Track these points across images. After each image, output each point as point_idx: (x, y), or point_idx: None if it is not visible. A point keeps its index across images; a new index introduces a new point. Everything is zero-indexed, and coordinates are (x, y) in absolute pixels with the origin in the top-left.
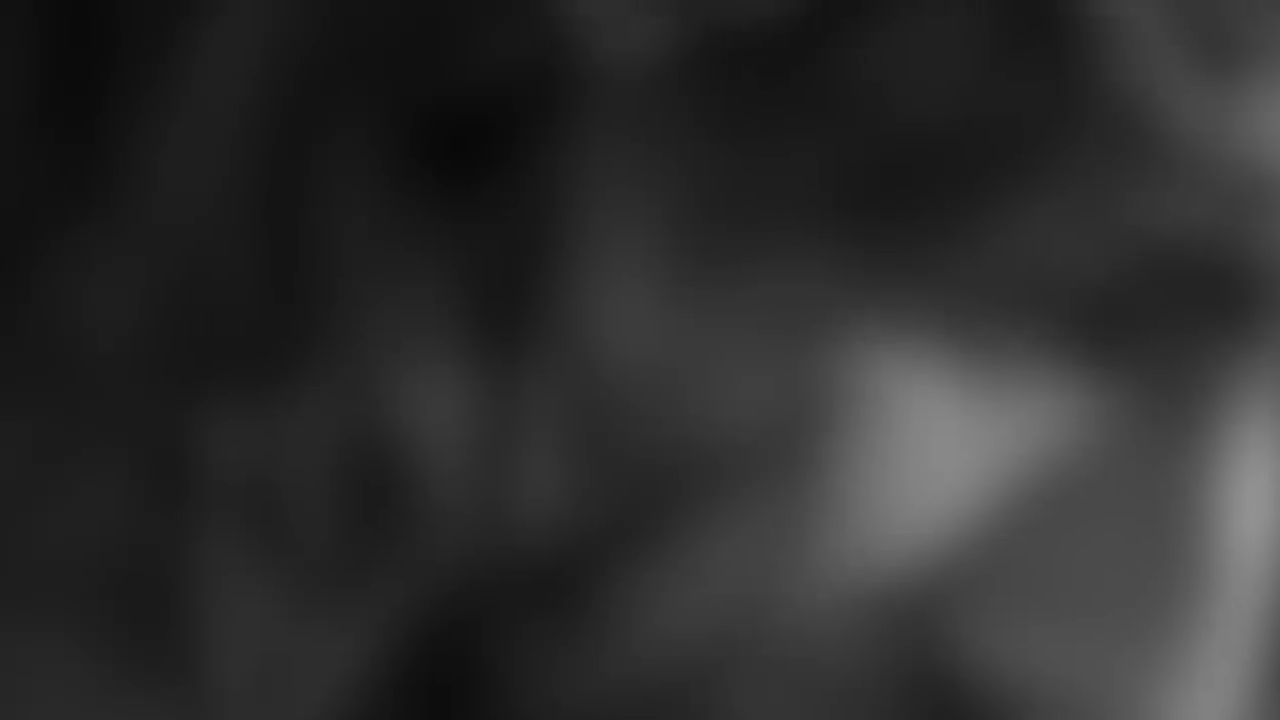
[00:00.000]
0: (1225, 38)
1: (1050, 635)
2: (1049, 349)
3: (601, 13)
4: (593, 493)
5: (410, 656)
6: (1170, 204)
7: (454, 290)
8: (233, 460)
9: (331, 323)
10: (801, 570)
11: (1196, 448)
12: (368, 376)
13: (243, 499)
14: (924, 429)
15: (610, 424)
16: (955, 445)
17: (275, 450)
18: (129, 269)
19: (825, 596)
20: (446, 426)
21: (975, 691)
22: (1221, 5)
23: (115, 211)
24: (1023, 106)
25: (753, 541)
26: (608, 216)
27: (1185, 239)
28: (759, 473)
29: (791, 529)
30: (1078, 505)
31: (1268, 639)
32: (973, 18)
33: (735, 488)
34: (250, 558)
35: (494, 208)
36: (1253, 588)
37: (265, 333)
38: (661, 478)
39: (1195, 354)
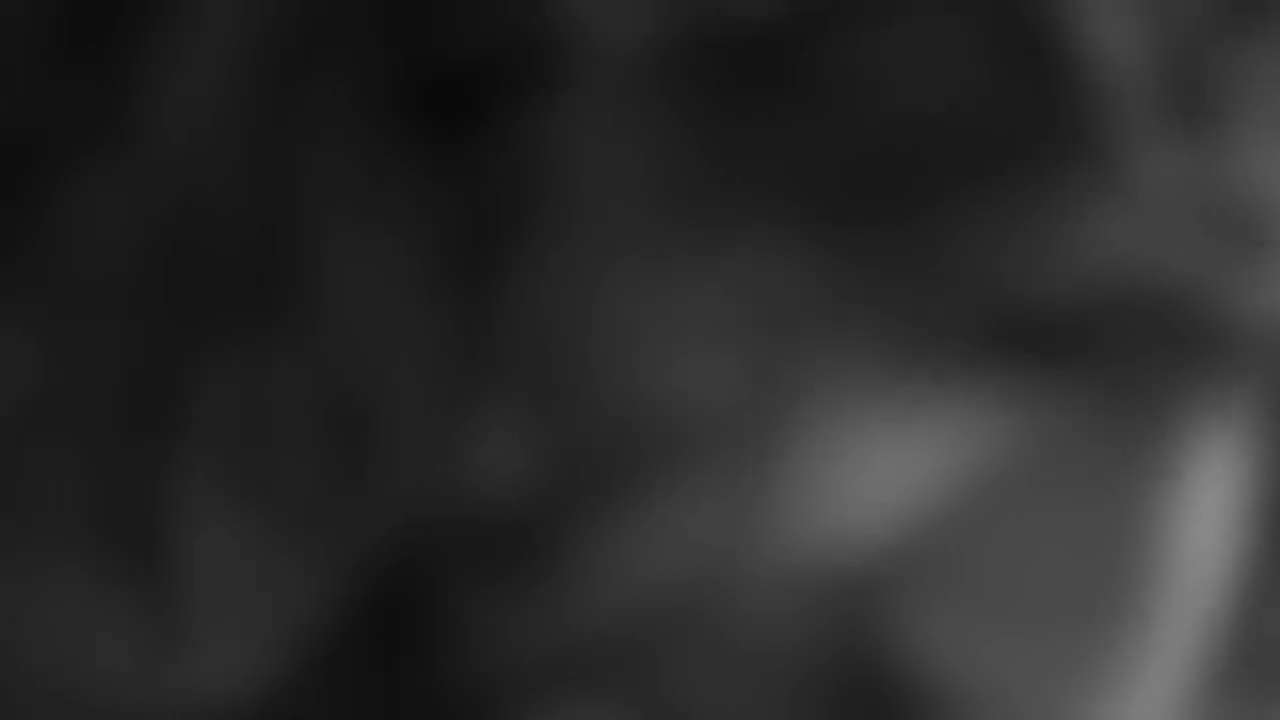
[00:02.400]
0: (1205, 81)
1: (986, 634)
2: (1001, 363)
3: None
4: (554, 452)
5: (368, 597)
6: (1133, 237)
7: (430, 243)
8: (219, 397)
9: (313, 268)
10: (752, 548)
11: (1146, 462)
12: (344, 322)
13: (226, 435)
14: (874, 429)
15: (575, 386)
16: (903, 447)
17: (258, 389)
18: (131, 203)
19: (773, 577)
20: (413, 376)
21: (906, 684)
22: (1205, 49)
23: (123, 147)
24: (1002, 124)
25: (707, 515)
26: (587, 183)
27: (1144, 271)
28: (717, 450)
29: (745, 507)
30: (1023, 510)
31: (1207, 653)
32: (964, 29)
33: (693, 461)
34: (229, 492)
35: (476, 166)
36: (1196, 602)
37: (252, 275)
38: (622, 443)
39: (1151, 378)
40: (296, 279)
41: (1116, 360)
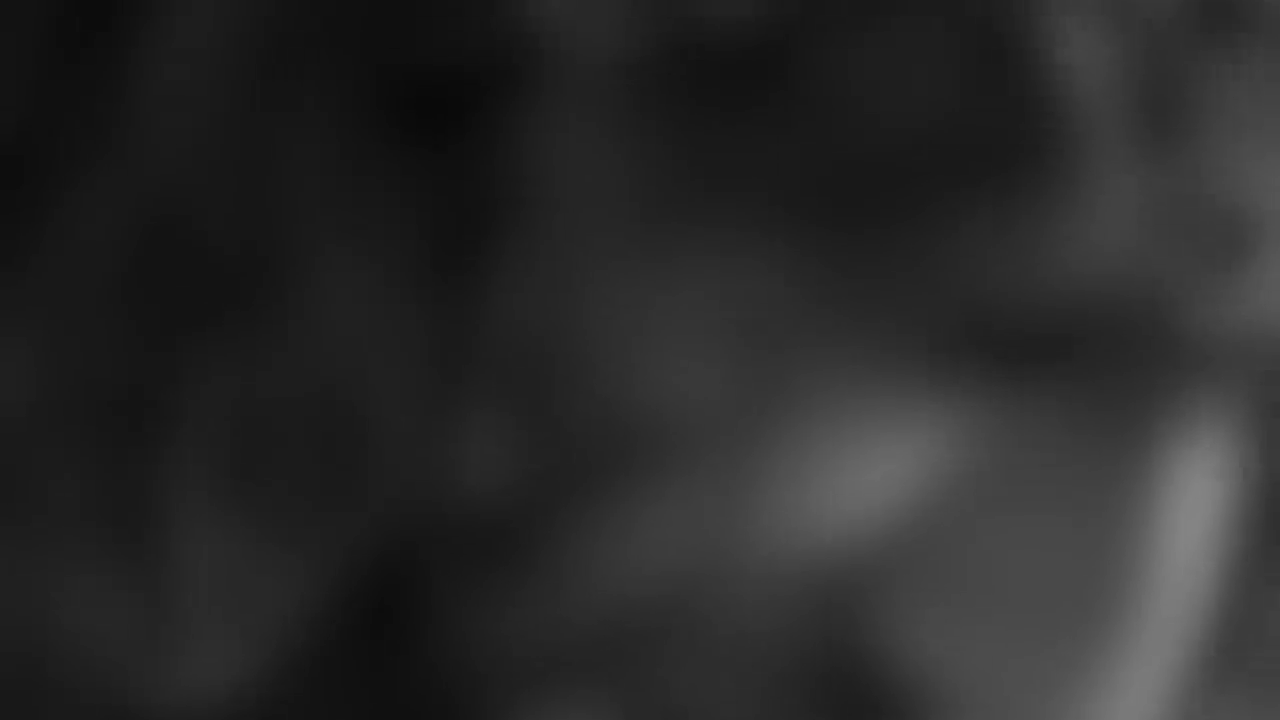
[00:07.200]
0: (1177, 92)
1: (967, 633)
2: (980, 369)
3: (574, 2)
4: (539, 450)
5: (358, 593)
6: (1108, 247)
7: (412, 246)
8: (210, 397)
9: (297, 271)
10: (736, 546)
11: (1123, 466)
12: (329, 324)
13: (217, 434)
14: (855, 431)
15: (559, 385)
16: (885, 449)
17: (248, 390)
18: (121, 209)
19: (757, 574)
20: (398, 374)
21: (889, 680)
22: (1176, 61)
23: (113, 153)
24: (977, 136)
25: (692, 513)
26: (566, 189)
27: (1119, 281)
28: (700, 449)
29: (729, 506)
30: (1004, 512)
31: (1190, 655)
32: (940, 42)
33: (677, 460)
34: (221, 490)
35: (456, 171)
36: (1177, 605)
37: (239, 277)
38: (607, 442)
39: (1128, 385)
40: (281, 281)
41: (1094, 367)
